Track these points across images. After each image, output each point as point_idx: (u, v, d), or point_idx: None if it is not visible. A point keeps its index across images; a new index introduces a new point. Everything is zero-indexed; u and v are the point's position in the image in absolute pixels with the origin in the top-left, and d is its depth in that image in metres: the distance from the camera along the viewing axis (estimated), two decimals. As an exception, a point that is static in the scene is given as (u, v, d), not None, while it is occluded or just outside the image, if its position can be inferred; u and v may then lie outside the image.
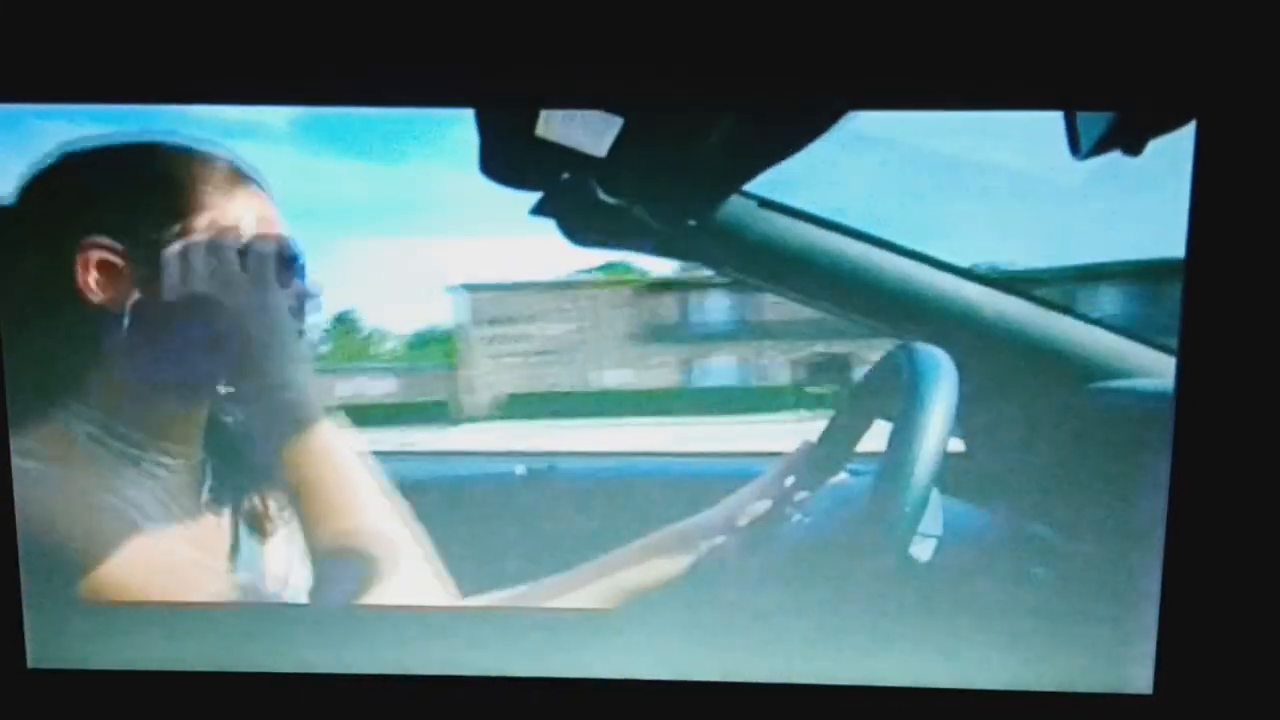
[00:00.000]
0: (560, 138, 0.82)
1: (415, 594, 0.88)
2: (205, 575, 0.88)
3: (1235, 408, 0.83)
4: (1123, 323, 0.84)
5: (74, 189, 0.83)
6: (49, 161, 0.83)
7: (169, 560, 0.86)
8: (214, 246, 0.81)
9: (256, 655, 0.92)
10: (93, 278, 0.82)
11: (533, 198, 0.83)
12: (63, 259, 0.82)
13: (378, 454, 0.87)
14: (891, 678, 0.90)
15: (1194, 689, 0.88)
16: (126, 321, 0.83)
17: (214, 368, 0.85)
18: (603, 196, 0.83)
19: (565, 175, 0.83)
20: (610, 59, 0.80)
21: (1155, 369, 0.83)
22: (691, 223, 0.84)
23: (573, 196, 0.83)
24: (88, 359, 0.84)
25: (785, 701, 0.91)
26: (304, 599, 0.89)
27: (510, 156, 0.82)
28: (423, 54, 0.81)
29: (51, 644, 0.92)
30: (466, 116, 0.82)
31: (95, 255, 0.82)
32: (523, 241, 0.84)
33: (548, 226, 0.83)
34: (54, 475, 0.85)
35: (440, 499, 0.88)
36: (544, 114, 0.82)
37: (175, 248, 0.81)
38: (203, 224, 0.82)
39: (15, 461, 0.86)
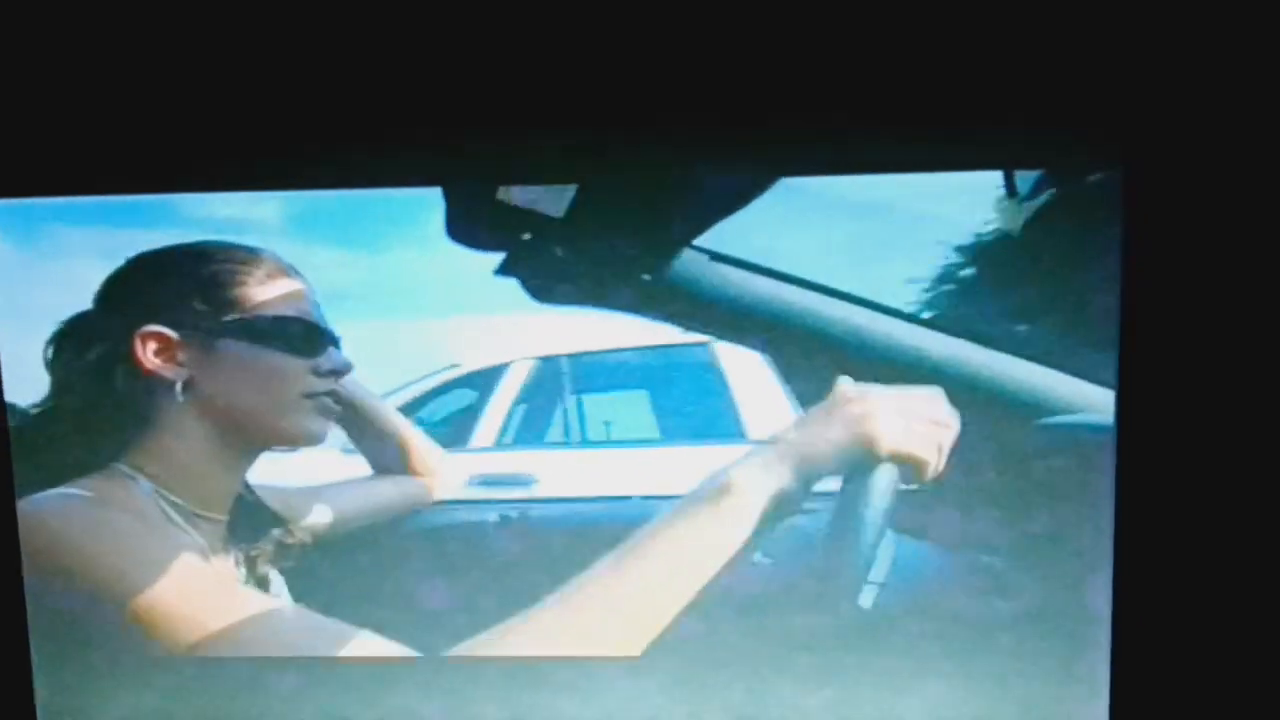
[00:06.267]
0: (519, 201, 0.88)
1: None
2: (224, 617, 0.94)
3: (1174, 438, 0.85)
4: (1063, 360, 0.86)
5: (137, 285, 0.91)
6: (121, 266, 0.91)
7: (203, 602, 0.93)
8: (253, 328, 0.90)
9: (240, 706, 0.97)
10: (149, 357, 0.90)
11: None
12: (126, 342, 0.90)
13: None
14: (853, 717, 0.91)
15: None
16: (179, 395, 0.90)
17: (252, 436, 0.92)
18: (562, 255, 0.89)
19: (526, 236, 0.88)
20: (566, 131, 0.87)
21: (1098, 404, 0.85)
22: (646, 277, 0.89)
23: (534, 256, 0.89)
24: (144, 426, 0.91)
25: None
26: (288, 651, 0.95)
27: (473, 220, 0.88)
28: (388, 137, 0.88)
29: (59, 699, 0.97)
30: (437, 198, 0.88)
31: (151, 338, 0.90)
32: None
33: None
34: (111, 516, 0.92)
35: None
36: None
37: (221, 330, 0.90)
38: (245, 309, 0.90)
39: (73, 491, 0.92)
